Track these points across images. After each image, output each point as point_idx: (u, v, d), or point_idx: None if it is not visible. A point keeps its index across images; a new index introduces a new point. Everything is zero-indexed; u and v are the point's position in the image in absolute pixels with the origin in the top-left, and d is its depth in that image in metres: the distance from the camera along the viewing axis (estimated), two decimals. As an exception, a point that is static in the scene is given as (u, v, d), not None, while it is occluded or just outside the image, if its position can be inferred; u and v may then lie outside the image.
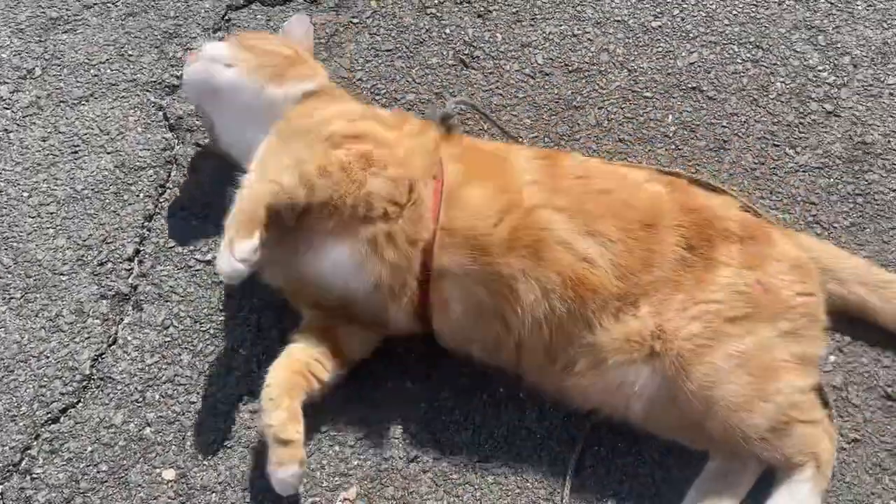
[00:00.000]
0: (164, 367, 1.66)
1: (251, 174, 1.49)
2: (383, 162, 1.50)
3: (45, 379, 1.64)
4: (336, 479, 1.56)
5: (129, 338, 1.69)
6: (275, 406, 1.46)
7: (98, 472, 1.56)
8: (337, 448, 1.58)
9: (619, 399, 1.48)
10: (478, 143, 1.75)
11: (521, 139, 1.92)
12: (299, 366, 1.52)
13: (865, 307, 1.62)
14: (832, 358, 1.65)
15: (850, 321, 1.64)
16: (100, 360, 1.67)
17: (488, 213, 1.48)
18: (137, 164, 1.89)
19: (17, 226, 1.81)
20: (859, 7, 2.11)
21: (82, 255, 1.78)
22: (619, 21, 2.10)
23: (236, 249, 1.39)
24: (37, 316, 1.71)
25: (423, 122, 1.67)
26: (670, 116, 1.97)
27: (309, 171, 1.46)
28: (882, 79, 2.00)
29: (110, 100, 1.98)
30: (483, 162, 1.59)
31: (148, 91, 1.99)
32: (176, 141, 1.93)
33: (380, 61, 2.04)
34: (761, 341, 1.44)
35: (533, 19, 2.11)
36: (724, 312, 1.44)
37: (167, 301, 1.73)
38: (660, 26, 2.10)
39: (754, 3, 2.12)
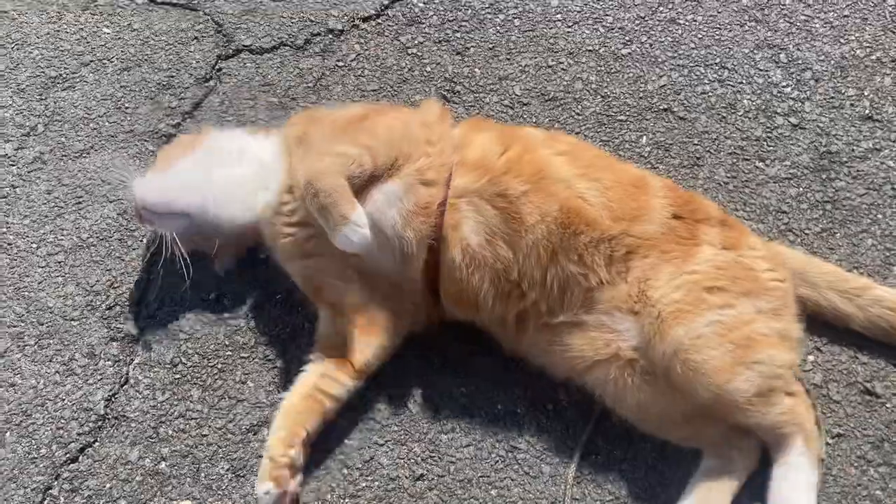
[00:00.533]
0: (175, 402, 1.73)
1: (299, 171, 1.59)
2: (408, 116, 1.68)
3: (62, 421, 1.71)
4: (346, 501, 1.62)
5: (140, 377, 1.76)
6: (277, 427, 1.57)
7: (117, 507, 1.62)
8: (345, 471, 1.65)
9: (607, 345, 1.56)
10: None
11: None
12: (309, 388, 1.60)
13: (839, 313, 1.70)
14: (811, 357, 1.73)
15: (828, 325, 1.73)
16: (113, 399, 1.73)
17: (495, 146, 1.63)
18: (140, 210, 1.97)
19: (27, 276, 1.88)
20: (816, 25, 2.23)
21: (91, 301, 1.85)
22: (590, 50, 2.21)
23: (355, 218, 1.48)
24: (51, 361, 1.78)
25: None
26: (644, 138, 2.07)
27: (360, 136, 1.58)
28: (842, 91, 2.11)
29: (110, 151, 2.07)
30: (485, 123, 1.77)
31: (146, 140, 2.08)
32: (175, 187, 2.01)
33: (366, 101, 2.14)
34: (741, 314, 1.52)
35: (509, 53, 2.22)
36: (703, 282, 1.53)
37: (175, 340, 1.80)
38: (629, 53, 2.21)
39: (717, 26, 2.24)
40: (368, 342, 1.64)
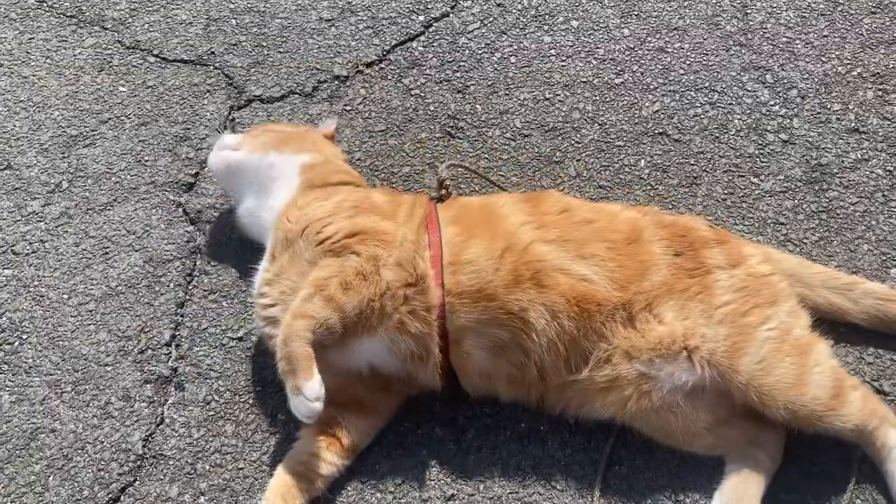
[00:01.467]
0: (210, 439, 1.79)
1: (285, 316, 1.60)
2: (387, 252, 1.65)
3: (103, 462, 1.76)
4: (381, 523, 1.68)
5: (175, 416, 1.82)
6: None
7: (160, 543, 1.68)
8: (378, 495, 1.70)
9: (648, 391, 1.60)
10: (469, 201, 1.87)
11: (508, 190, 2.10)
12: (297, 466, 1.65)
13: (835, 308, 1.78)
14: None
15: (828, 325, 1.79)
16: (150, 439, 1.79)
17: (488, 263, 1.63)
18: (164, 257, 2.05)
19: (61, 326, 1.95)
20: (798, 46, 2.34)
21: (123, 346, 1.92)
22: (585, 82, 2.32)
23: (306, 392, 1.51)
24: (88, 406, 1.84)
25: (413, 200, 1.82)
26: (642, 161, 2.16)
27: (332, 292, 1.58)
28: (828, 106, 2.22)
29: (133, 202, 2.15)
30: (476, 219, 1.73)
31: (167, 191, 2.17)
32: (197, 233, 2.09)
33: (374, 141, 2.24)
34: (780, 323, 1.61)
35: (507, 89, 2.32)
36: (738, 309, 1.61)
37: (207, 378, 1.87)
38: (622, 82, 2.31)
39: (704, 52, 2.35)
40: (357, 424, 1.71)
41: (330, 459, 1.67)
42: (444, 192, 1.94)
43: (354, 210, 1.73)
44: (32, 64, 2.45)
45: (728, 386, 1.58)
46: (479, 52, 2.40)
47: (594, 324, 1.61)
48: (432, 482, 1.71)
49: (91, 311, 1.98)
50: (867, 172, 2.09)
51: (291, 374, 1.53)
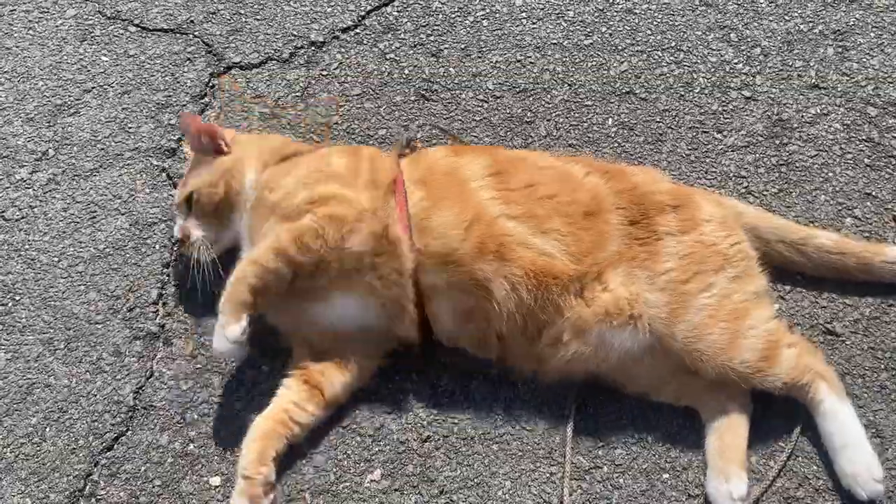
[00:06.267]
0: (197, 390, 1.88)
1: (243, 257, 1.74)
2: (355, 219, 1.71)
3: (96, 414, 1.86)
4: (361, 465, 1.77)
5: (164, 370, 1.91)
6: (248, 450, 1.68)
7: (153, 487, 1.77)
8: (358, 439, 1.80)
9: (603, 357, 1.71)
10: (434, 161, 1.87)
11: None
12: (280, 413, 1.74)
13: (787, 261, 1.87)
14: (776, 306, 1.87)
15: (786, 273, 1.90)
16: (141, 392, 1.88)
17: (456, 233, 1.70)
18: (150, 220, 2.13)
19: (52, 287, 2.03)
20: (762, 4, 2.41)
21: (113, 305, 2.00)
22: (555, 44, 2.39)
23: (227, 332, 1.66)
24: (81, 362, 1.93)
25: (373, 160, 1.85)
26: (610, 120, 2.24)
27: (285, 246, 1.69)
28: (790, 63, 2.29)
29: (118, 168, 2.22)
30: (443, 186, 1.78)
31: (150, 156, 2.24)
32: (181, 196, 2.17)
33: (351, 105, 2.31)
34: (721, 290, 1.69)
35: (480, 52, 2.39)
36: (679, 277, 1.69)
37: (193, 334, 1.95)
38: (591, 43, 2.38)
39: (671, 12, 2.42)
40: (339, 379, 1.79)
41: (310, 409, 1.76)
42: (409, 150, 1.98)
43: (315, 179, 1.80)
44: (15, 35, 2.50)
45: (669, 349, 1.68)
46: (453, 15, 2.46)
47: (550, 296, 1.69)
48: (409, 425, 1.81)
49: (81, 272, 2.06)
50: (826, 126, 2.17)
51: (225, 310, 1.68)
